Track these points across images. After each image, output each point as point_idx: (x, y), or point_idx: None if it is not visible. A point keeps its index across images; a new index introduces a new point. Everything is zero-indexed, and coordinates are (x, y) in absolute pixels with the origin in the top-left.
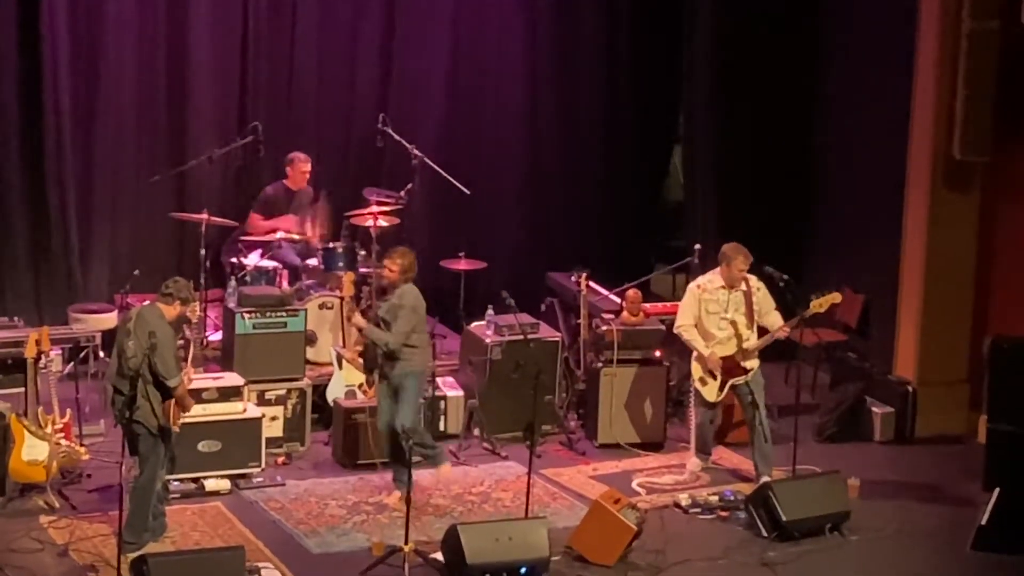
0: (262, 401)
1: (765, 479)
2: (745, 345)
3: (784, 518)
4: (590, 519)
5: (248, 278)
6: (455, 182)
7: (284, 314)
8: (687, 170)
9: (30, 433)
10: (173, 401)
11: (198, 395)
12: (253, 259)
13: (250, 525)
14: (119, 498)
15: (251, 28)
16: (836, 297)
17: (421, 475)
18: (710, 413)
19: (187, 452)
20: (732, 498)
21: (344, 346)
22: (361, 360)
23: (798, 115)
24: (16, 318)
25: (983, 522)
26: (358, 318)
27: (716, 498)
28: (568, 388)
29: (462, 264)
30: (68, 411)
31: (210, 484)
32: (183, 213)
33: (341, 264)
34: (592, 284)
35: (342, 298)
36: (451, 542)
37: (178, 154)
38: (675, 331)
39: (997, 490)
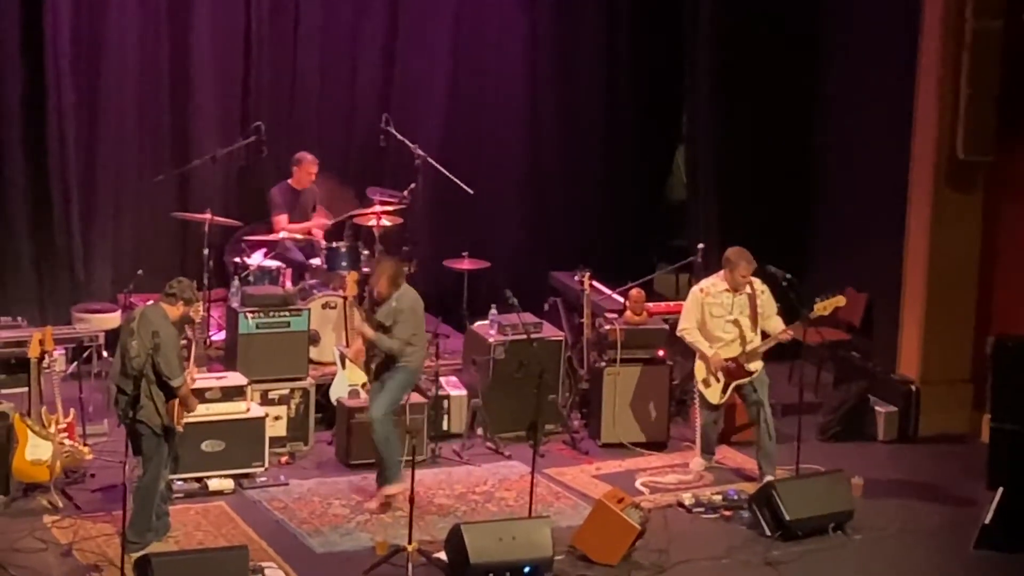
0: (265, 401)
1: (768, 478)
2: (749, 348)
3: (788, 517)
4: (593, 518)
5: (251, 278)
6: (458, 182)
7: (287, 314)
8: (690, 169)
9: (34, 433)
10: (177, 401)
11: (201, 395)
12: (256, 259)
13: (254, 525)
14: (122, 498)
15: (254, 28)
16: (840, 300)
17: (425, 474)
18: (713, 415)
19: (190, 452)
20: (736, 497)
21: (347, 346)
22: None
23: (801, 115)
24: (20, 318)
25: (986, 521)
26: (365, 328)
27: (720, 497)
28: (571, 387)
29: (465, 264)
30: (72, 411)
31: (213, 484)
32: (186, 213)
33: (344, 263)
34: (595, 283)
35: (345, 297)
36: (455, 541)
37: (181, 154)
38: (678, 334)
39: (1000, 489)
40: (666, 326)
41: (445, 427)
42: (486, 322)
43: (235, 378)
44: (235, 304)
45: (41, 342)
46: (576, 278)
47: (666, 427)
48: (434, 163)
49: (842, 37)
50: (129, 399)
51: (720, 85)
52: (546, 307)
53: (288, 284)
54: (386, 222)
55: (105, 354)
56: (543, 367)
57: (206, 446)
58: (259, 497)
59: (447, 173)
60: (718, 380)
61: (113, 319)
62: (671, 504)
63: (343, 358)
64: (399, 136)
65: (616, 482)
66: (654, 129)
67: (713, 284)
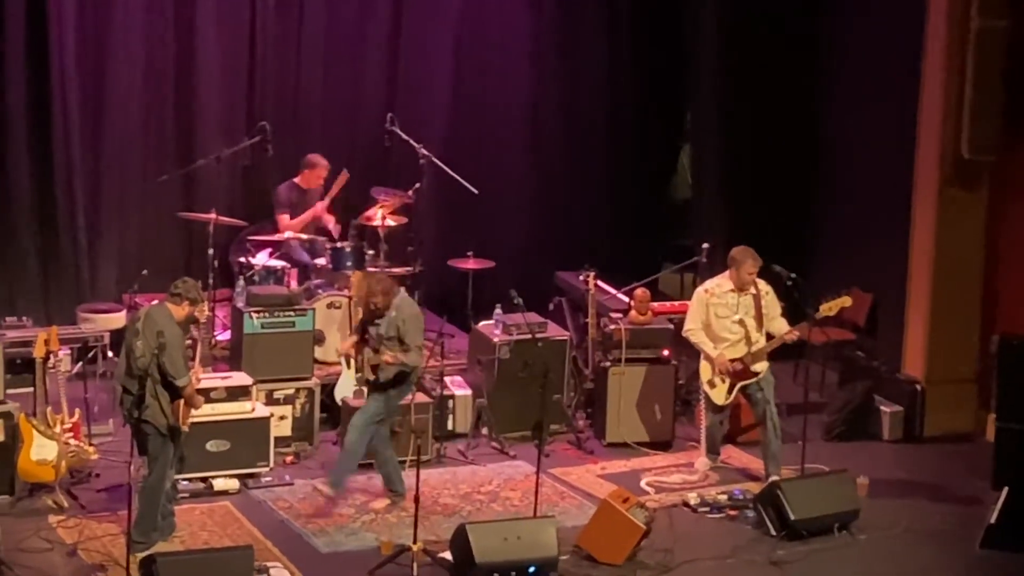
0: (270, 400)
1: (774, 478)
2: (754, 348)
3: (793, 517)
4: (599, 518)
5: (256, 277)
6: (463, 181)
7: (292, 313)
8: (695, 169)
9: (39, 433)
10: (182, 401)
11: (206, 395)
12: (261, 258)
13: (259, 524)
14: (128, 497)
15: (258, 28)
16: (846, 301)
17: (430, 474)
18: (719, 416)
19: (196, 452)
20: (741, 497)
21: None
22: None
23: (806, 114)
24: (25, 318)
25: (992, 521)
26: (385, 355)
27: (725, 497)
28: (576, 387)
29: (470, 263)
30: (77, 411)
31: (219, 483)
32: (191, 213)
33: (349, 263)
34: (600, 283)
35: (350, 297)
36: (460, 541)
37: (186, 154)
38: (684, 334)
39: (1006, 489)
40: (671, 326)
41: (450, 427)
42: (491, 322)
43: (240, 378)
44: (240, 304)
45: (46, 342)
46: (581, 278)
47: (671, 427)
48: (439, 163)
49: (846, 36)
50: (134, 399)
51: (724, 84)
52: (551, 307)
53: (293, 284)
54: (391, 222)
55: (110, 354)
56: (548, 367)
57: (211, 446)
58: (264, 497)
59: (452, 173)
60: (723, 381)
61: (118, 319)
62: (676, 504)
63: (348, 358)
64: (404, 136)
65: (621, 482)
66: (658, 128)
67: (718, 284)
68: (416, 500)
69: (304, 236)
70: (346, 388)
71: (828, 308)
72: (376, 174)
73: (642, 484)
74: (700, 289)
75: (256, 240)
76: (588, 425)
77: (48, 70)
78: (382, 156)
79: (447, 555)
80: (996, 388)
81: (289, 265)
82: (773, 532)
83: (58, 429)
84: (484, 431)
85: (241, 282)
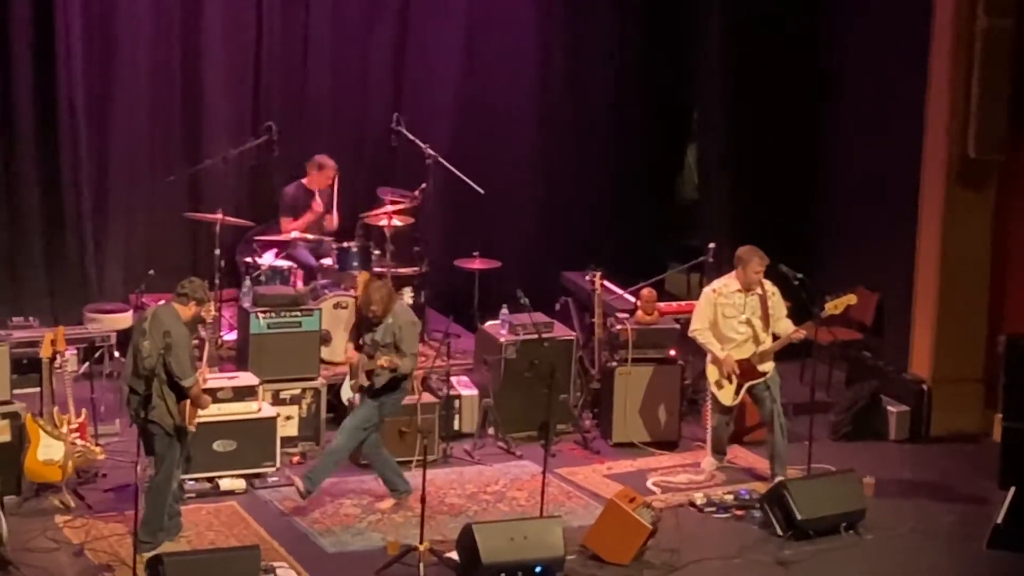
0: (277, 400)
1: (780, 478)
2: (761, 349)
3: (799, 517)
4: (605, 518)
5: (263, 278)
6: (469, 181)
7: (299, 314)
8: (701, 169)
9: (45, 433)
10: (189, 401)
11: (213, 395)
12: (268, 259)
13: (265, 524)
14: (134, 498)
15: (265, 28)
16: (852, 299)
17: (436, 474)
18: (726, 417)
19: (202, 452)
20: (747, 497)
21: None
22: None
23: (812, 113)
24: (31, 318)
25: (999, 521)
26: (383, 361)
27: (731, 497)
28: (583, 387)
29: (476, 263)
30: (83, 411)
31: (225, 483)
32: (198, 213)
33: (355, 264)
34: (606, 283)
35: (356, 297)
36: (466, 541)
37: (192, 154)
38: (690, 335)
39: (1013, 489)
40: (677, 326)
41: (457, 427)
42: (497, 322)
43: (247, 378)
44: (247, 304)
45: (53, 342)
46: (587, 278)
47: (677, 427)
48: (445, 163)
49: (852, 36)
50: (141, 399)
51: (730, 84)
52: (557, 307)
53: (299, 284)
54: (397, 222)
55: (117, 354)
56: (554, 367)
57: (218, 446)
58: (271, 497)
59: (458, 173)
60: (731, 382)
61: (125, 319)
62: (683, 504)
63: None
64: (410, 136)
65: (627, 482)
66: (664, 128)
67: (725, 285)
68: (422, 500)
69: (310, 236)
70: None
71: (834, 306)
72: (382, 174)
73: (648, 484)
74: (707, 289)
75: (262, 240)
76: (594, 425)
77: (55, 70)
78: (388, 156)
79: (453, 555)
80: (1002, 388)
81: (295, 265)
82: (780, 532)
83: (65, 429)
84: (490, 431)
85: (247, 282)
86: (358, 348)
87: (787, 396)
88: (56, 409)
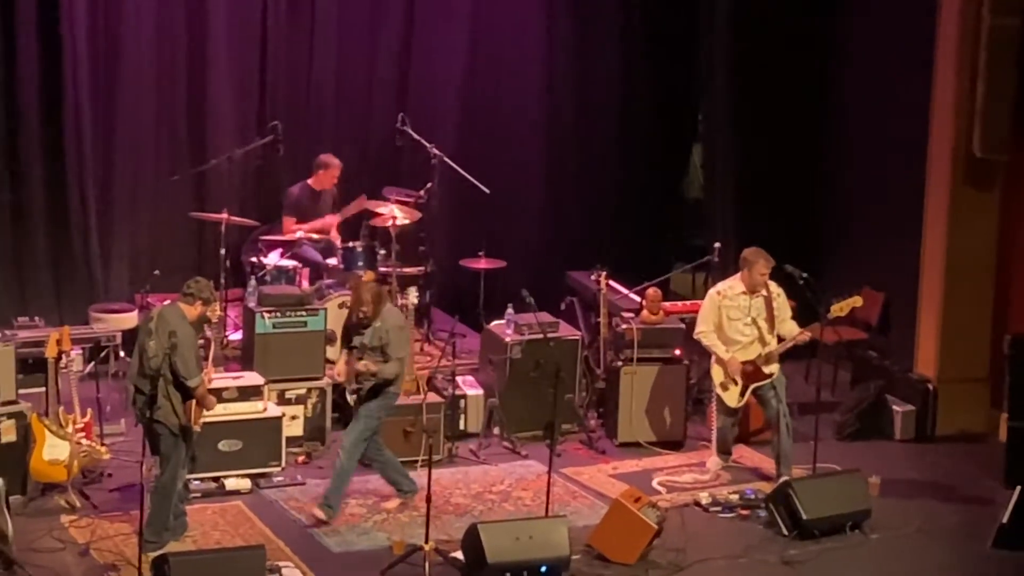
0: (282, 400)
1: (785, 477)
2: (766, 350)
3: (805, 516)
4: (610, 518)
5: (268, 277)
6: (475, 181)
7: (304, 313)
8: (706, 169)
9: (51, 433)
10: (194, 401)
11: (218, 394)
12: (273, 258)
13: (271, 524)
14: (140, 497)
15: (270, 27)
16: (857, 301)
17: (441, 474)
18: (731, 418)
19: (207, 451)
20: (753, 496)
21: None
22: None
23: (817, 113)
24: (37, 318)
25: (1004, 520)
26: (367, 367)
27: (736, 496)
28: (588, 387)
29: (482, 263)
30: (89, 410)
31: (230, 483)
32: (203, 213)
33: (361, 263)
34: (612, 283)
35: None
36: (471, 541)
37: (198, 154)
38: (695, 336)
39: (1018, 488)
40: (683, 325)
41: (462, 426)
42: (503, 322)
43: (252, 378)
44: (252, 304)
45: (58, 342)
46: (593, 277)
47: (683, 426)
48: (450, 162)
49: (859, 35)
50: (146, 399)
51: (736, 84)
52: (563, 306)
53: (305, 284)
54: (404, 220)
55: (122, 354)
56: (560, 366)
57: (223, 446)
58: (276, 496)
59: (463, 173)
60: (736, 383)
61: (130, 319)
62: (688, 503)
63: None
64: (415, 135)
65: (633, 481)
66: (670, 128)
67: (730, 287)
68: (428, 500)
69: (315, 236)
70: None
71: (839, 308)
72: (388, 174)
73: (654, 484)
74: (712, 291)
75: (268, 240)
76: (600, 425)
77: (60, 70)
78: (394, 156)
79: (459, 555)
80: (1008, 387)
81: (301, 265)
82: (785, 532)
83: (70, 429)
84: (496, 431)
85: (253, 282)
86: (350, 351)
87: (792, 396)
88: (62, 409)
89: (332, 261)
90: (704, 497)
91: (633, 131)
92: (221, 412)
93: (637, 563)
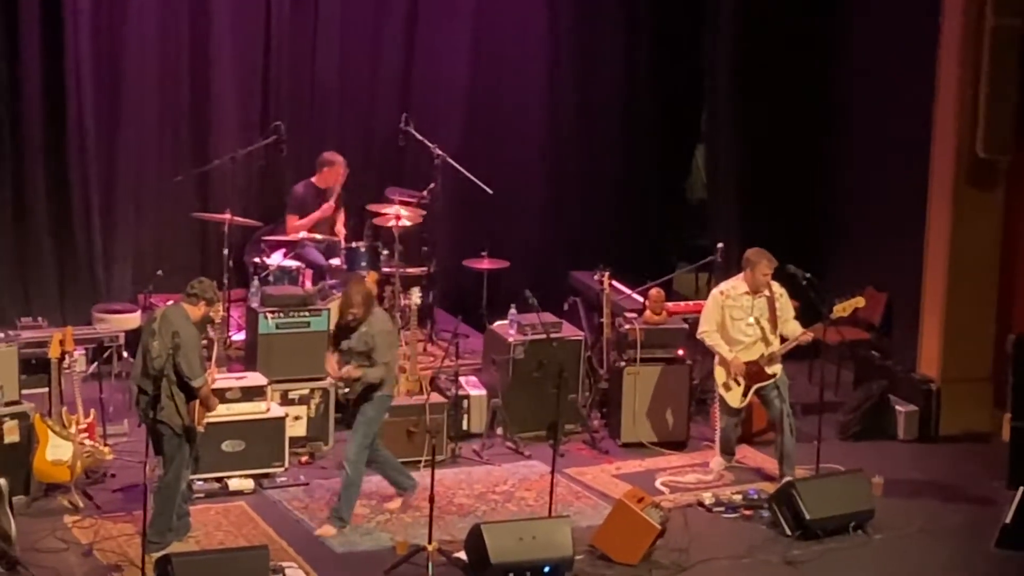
0: (285, 401)
1: (789, 478)
2: (769, 351)
3: (808, 517)
4: (614, 518)
5: (271, 278)
6: (477, 181)
7: (307, 314)
8: (710, 169)
9: (54, 433)
10: (198, 401)
11: (221, 395)
12: (276, 259)
13: (274, 524)
14: (143, 498)
15: (273, 28)
16: (860, 301)
17: (445, 474)
18: (734, 419)
19: (211, 452)
20: (756, 497)
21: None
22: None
23: (820, 113)
24: (40, 318)
25: (1007, 520)
26: (352, 372)
27: (740, 497)
28: (591, 387)
29: (484, 263)
30: (92, 411)
31: (234, 484)
32: (206, 213)
33: (364, 264)
34: (615, 283)
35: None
36: (475, 541)
37: (201, 154)
38: (698, 336)
39: (1021, 488)
40: (686, 325)
41: (465, 427)
42: (506, 322)
43: (255, 378)
44: (255, 304)
45: (61, 342)
46: (596, 277)
47: (686, 426)
48: (453, 163)
49: (861, 36)
50: (150, 399)
51: (740, 84)
52: (566, 307)
53: (308, 284)
54: (406, 222)
55: (125, 354)
56: (563, 367)
57: (226, 446)
58: (279, 497)
59: (467, 173)
60: (739, 384)
61: (133, 319)
62: (691, 503)
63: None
64: (418, 136)
65: (636, 481)
66: (673, 129)
67: (733, 287)
68: (431, 500)
69: (319, 236)
70: None
71: (842, 309)
72: (391, 174)
73: (657, 484)
74: (715, 291)
75: (271, 240)
76: (603, 425)
77: (63, 70)
78: (397, 156)
79: (462, 555)
80: (1011, 387)
81: (304, 265)
82: (788, 532)
83: (73, 429)
84: (499, 431)
85: (256, 282)
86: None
87: (795, 396)
88: (65, 409)
89: (335, 261)
90: (707, 497)
91: (636, 131)
92: (224, 412)
93: (640, 563)
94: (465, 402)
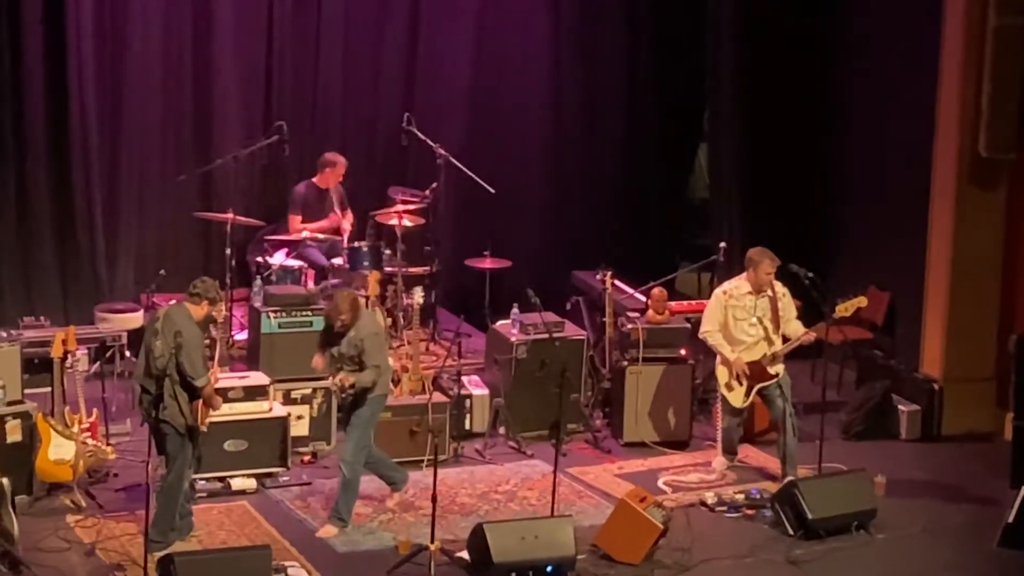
0: (288, 400)
1: (791, 477)
2: (771, 351)
3: (810, 516)
4: (616, 517)
5: (274, 277)
6: (480, 181)
7: (310, 313)
8: (712, 168)
9: (57, 432)
10: (201, 401)
11: (224, 394)
12: (278, 258)
13: (276, 524)
14: (146, 497)
15: (276, 28)
16: (862, 301)
17: (447, 474)
18: (736, 419)
19: (213, 451)
20: (758, 496)
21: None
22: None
23: (823, 113)
24: (43, 318)
25: (1010, 520)
26: (345, 378)
27: (742, 496)
28: (593, 387)
29: (487, 263)
30: (94, 410)
31: (236, 483)
32: (208, 213)
33: (367, 263)
34: (617, 282)
35: (368, 297)
36: (477, 541)
37: (203, 153)
38: (700, 336)
39: None
40: (688, 325)
41: (467, 426)
42: (508, 321)
43: (258, 378)
44: (257, 304)
45: (64, 342)
46: (598, 277)
47: (688, 426)
48: (456, 162)
49: (863, 35)
50: (153, 399)
51: (742, 84)
52: (568, 306)
53: (310, 284)
54: (408, 222)
55: (128, 354)
56: (565, 366)
57: (229, 445)
58: (282, 496)
59: (469, 172)
60: (741, 383)
61: (136, 319)
62: (694, 503)
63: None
64: (421, 135)
65: (638, 481)
66: (675, 128)
67: (736, 287)
68: (434, 499)
69: (321, 236)
70: None
71: (844, 309)
72: (393, 174)
73: (659, 483)
74: (719, 291)
75: (273, 240)
76: (605, 424)
77: (66, 70)
78: (399, 156)
79: (464, 554)
80: (1014, 387)
81: (306, 265)
82: (791, 531)
83: (76, 429)
84: (501, 430)
85: (258, 282)
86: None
87: (798, 395)
88: (67, 409)
89: (337, 261)
90: (710, 497)
91: (639, 131)
92: (227, 412)
93: (642, 563)
94: (467, 401)
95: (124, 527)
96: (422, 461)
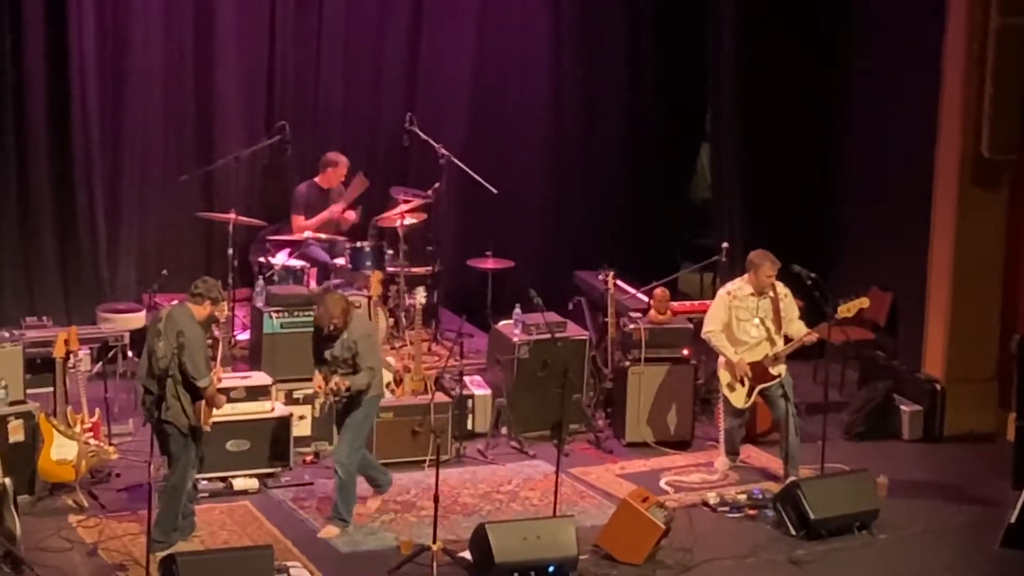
0: (290, 400)
1: (793, 477)
2: (774, 351)
3: (812, 516)
4: (618, 518)
5: (276, 277)
6: (482, 181)
7: (312, 313)
8: (714, 168)
9: (59, 432)
10: (204, 401)
11: (226, 394)
12: (280, 258)
13: (278, 524)
14: (148, 497)
15: (278, 28)
16: (864, 302)
17: (449, 474)
18: (738, 419)
19: (215, 451)
20: (760, 496)
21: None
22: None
23: (825, 114)
24: (45, 318)
25: (1012, 520)
26: (337, 381)
27: (744, 496)
28: (596, 387)
29: (489, 263)
30: (97, 410)
31: (238, 483)
32: (210, 213)
33: (369, 263)
34: (619, 283)
35: (370, 297)
36: (479, 541)
37: (205, 154)
38: (703, 336)
39: None
40: (690, 325)
41: (470, 426)
42: (510, 321)
43: (260, 378)
44: (260, 304)
45: (66, 342)
46: (600, 277)
47: (690, 426)
48: (458, 162)
49: (866, 36)
50: (155, 399)
51: (744, 84)
52: (570, 306)
53: (312, 284)
54: (411, 220)
55: (130, 354)
56: (567, 366)
57: (231, 445)
58: (284, 496)
59: (471, 172)
60: (743, 384)
61: (138, 319)
62: (696, 503)
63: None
64: (423, 135)
65: (641, 481)
66: (678, 128)
67: (739, 288)
68: (436, 500)
69: (323, 236)
70: None
71: (846, 309)
72: (395, 174)
73: (661, 484)
74: (722, 291)
75: (275, 240)
76: (607, 424)
77: (68, 70)
78: (401, 156)
79: (466, 555)
80: (1016, 387)
81: (308, 265)
82: (793, 532)
83: (78, 429)
84: (503, 431)
85: (261, 282)
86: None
87: (800, 396)
88: (70, 409)
89: (340, 261)
90: (712, 497)
91: (641, 131)
92: (229, 412)
93: (645, 563)
94: (470, 402)
95: (126, 527)
96: (424, 461)
